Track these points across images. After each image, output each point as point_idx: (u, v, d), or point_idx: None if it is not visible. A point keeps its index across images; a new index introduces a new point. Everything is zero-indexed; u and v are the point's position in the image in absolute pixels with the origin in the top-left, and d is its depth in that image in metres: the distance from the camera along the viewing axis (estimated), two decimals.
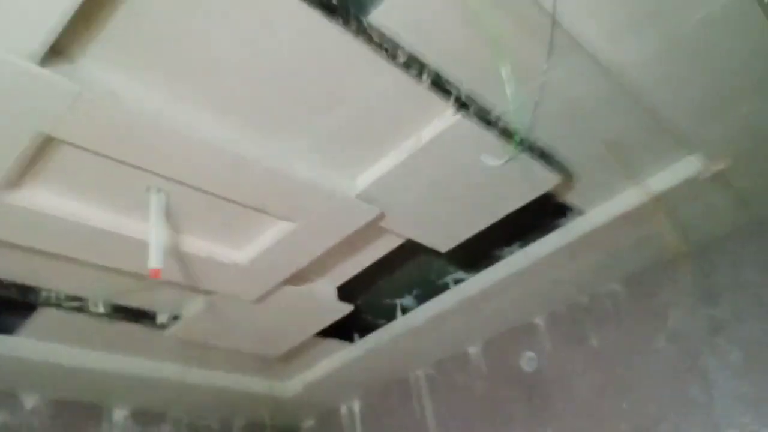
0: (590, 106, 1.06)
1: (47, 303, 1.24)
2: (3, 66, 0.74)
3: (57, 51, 0.77)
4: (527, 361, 1.69)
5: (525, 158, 1.06)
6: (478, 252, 1.47)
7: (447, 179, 1.11)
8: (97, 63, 0.82)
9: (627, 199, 1.31)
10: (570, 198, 1.31)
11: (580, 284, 1.57)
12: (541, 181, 1.15)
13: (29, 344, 1.36)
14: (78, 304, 1.27)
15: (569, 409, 1.56)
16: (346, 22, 0.82)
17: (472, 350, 1.78)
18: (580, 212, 1.36)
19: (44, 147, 0.89)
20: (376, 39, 0.85)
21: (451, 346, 1.78)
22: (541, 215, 1.37)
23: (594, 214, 1.35)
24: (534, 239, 1.43)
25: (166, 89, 0.88)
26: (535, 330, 1.69)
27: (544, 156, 1.10)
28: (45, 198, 1.00)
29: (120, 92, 0.84)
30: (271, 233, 1.19)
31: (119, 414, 1.66)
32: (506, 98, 0.91)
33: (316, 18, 0.81)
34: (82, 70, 0.81)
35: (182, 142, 0.91)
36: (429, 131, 1.01)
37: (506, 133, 1.01)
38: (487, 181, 1.12)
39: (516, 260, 1.47)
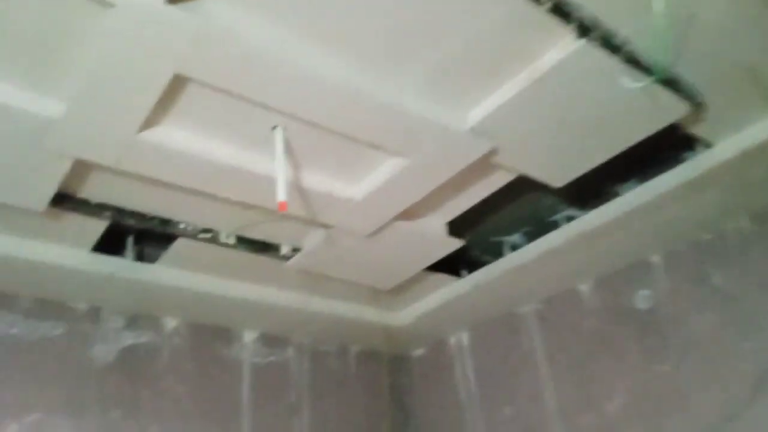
0: (728, 28, 0.97)
1: (184, 234, 1.35)
2: (134, 7, 0.79)
3: None
4: (642, 298, 1.64)
5: (653, 85, 1.00)
6: (592, 188, 1.43)
7: (565, 110, 1.07)
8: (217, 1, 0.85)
9: (759, 131, 1.21)
10: (697, 129, 1.22)
11: (704, 221, 1.49)
12: (668, 110, 1.08)
13: (169, 272, 1.50)
14: (210, 236, 1.37)
15: (686, 348, 1.51)
16: None
17: (583, 287, 1.76)
18: (708, 145, 1.28)
19: (174, 86, 0.95)
20: None
21: (561, 283, 1.76)
22: (663, 148, 1.30)
23: (723, 147, 1.26)
24: (654, 174, 1.37)
25: (283, 25, 0.90)
26: (651, 268, 1.63)
27: (673, 83, 1.03)
28: (178, 136, 1.07)
29: (238, 27, 0.87)
30: (385, 169, 1.21)
31: (249, 336, 1.81)
32: (638, 21, 0.85)
33: None
34: (202, 6, 0.84)
35: (299, 78, 0.94)
36: (548, 60, 0.97)
37: (632, 59, 0.96)
38: (608, 112, 1.07)
39: (634, 196, 1.41)
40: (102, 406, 1.49)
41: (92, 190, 1.21)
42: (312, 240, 1.45)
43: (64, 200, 1.19)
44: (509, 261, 1.66)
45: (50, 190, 1.13)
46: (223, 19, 0.85)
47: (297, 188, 1.20)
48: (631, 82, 0.98)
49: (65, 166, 1.08)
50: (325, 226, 1.38)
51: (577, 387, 1.69)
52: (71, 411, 1.44)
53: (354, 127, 1.06)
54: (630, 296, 1.65)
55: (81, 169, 1.12)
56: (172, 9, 0.81)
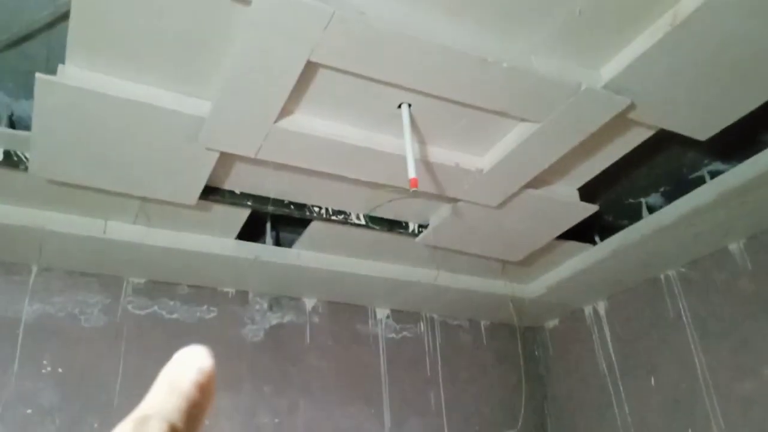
0: None
1: (317, 217, 1.40)
2: (268, 1, 0.82)
3: None
4: None
5: None
6: (739, 138, 1.32)
7: (712, 56, 0.99)
8: None
9: None
10: None
11: None
12: None
13: (306, 254, 1.57)
14: (342, 218, 1.41)
15: None
16: None
17: (734, 247, 1.63)
18: None
19: (306, 73, 0.98)
20: None
21: (708, 244, 1.64)
22: None
23: None
24: None
25: (407, 0, 0.90)
26: None
27: None
28: (311, 122, 1.11)
29: (367, 9, 0.88)
30: (513, 136, 1.18)
31: (382, 312, 1.86)
32: None
33: None
34: None
35: (425, 51, 0.94)
36: (687, 4, 0.90)
37: None
38: (754, 56, 0.98)
39: None
40: (255, 381, 1.60)
41: (234, 181, 1.29)
42: (439, 215, 1.45)
43: (211, 193, 1.28)
44: (648, 223, 1.57)
45: (200, 184, 1.21)
46: (354, 4, 0.87)
47: (425, 164, 1.21)
48: None
49: (212, 161, 1.15)
50: (453, 200, 1.37)
51: (731, 353, 1.58)
52: (229, 386, 1.56)
53: (482, 95, 1.05)
54: None
55: (225, 161, 1.19)
56: None
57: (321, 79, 1.02)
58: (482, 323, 2.02)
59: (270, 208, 1.35)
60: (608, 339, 1.89)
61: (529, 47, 0.99)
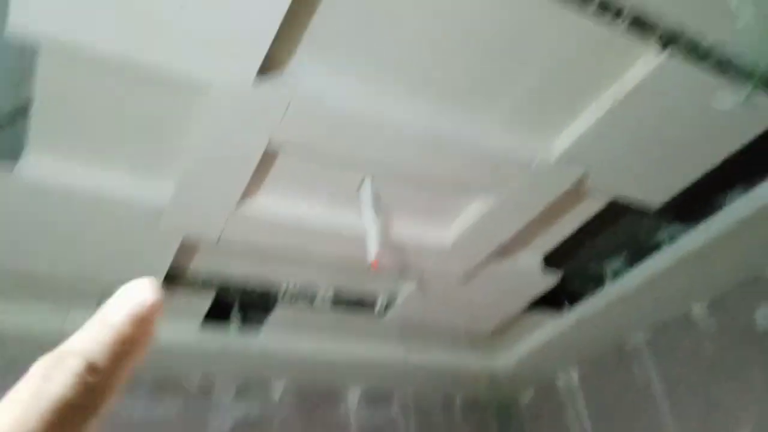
0: None
1: (283, 299, 1.38)
2: (227, 88, 0.84)
3: (265, 64, 0.85)
4: (763, 318, 1.52)
5: (751, 94, 0.96)
6: (693, 202, 1.36)
7: (656, 128, 1.04)
8: (301, 67, 0.89)
9: None
10: None
11: None
12: (766, 111, 1.03)
13: (273, 338, 1.53)
14: (308, 298, 1.40)
15: None
16: None
17: (697, 310, 1.65)
18: None
19: (267, 156, 0.99)
20: None
21: (671, 308, 1.66)
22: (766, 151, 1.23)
23: None
24: (762, 178, 1.29)
25: (365, 80, 0.93)
26: None
27: None
28: (273, 204, 1.12)
29: (325, 91, 0.91)
30: (474, 210, 1.21)
31: (353, 396, 1.80)
32: (724, 25, 0.83)
33: None
34: (290, 76, 0.89)
35: (384, 132, 0.96)
36: (631, 77, 0.95)
37: (722, 65, 0.92)
38: (702, 124, 1.03)
39: (740, 206, 1.33)
40: None
41: (198, 265, 1.27)
42: (406, 290, 1.45)
43: (173, 278, 1.25)
44: (612, 290, 1.59)
45: (162, 270, 1.19)
46: (310, 86, 0.89)
47: (389, 241, 1.21)
48: (724, 102, 0.95)
49: (174, 246, 1.14)
50: (419, 274, 1.37)
51: (701, 419, 1.57)
52: None
53: (441, 171, 1.07)
54: (749, 315, 1.54)
55: (187, 246, 1.18)
56: (262, 84, 0.85)
57: (282, 162, 1.03)
58: (457, 400, 1.97)
59: (234, 292, 1.33)
60: (583, 410, 1.87)
61: (484, 124, 1.03)
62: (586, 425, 1.84)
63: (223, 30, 0.78)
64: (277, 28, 0.79)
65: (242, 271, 1.31)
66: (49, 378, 0.21)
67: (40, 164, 0.94)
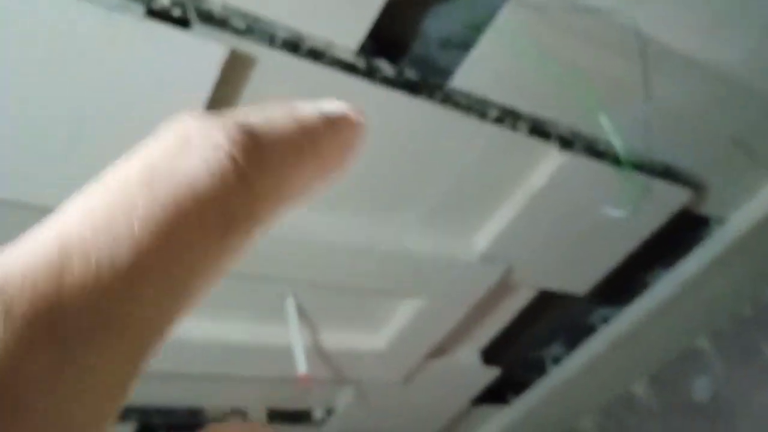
0: (702, 110, 0.99)
1: (213, 420, 1.30)
2: None
3: None
4: (700, 389, 1.54)
5: (648, 181, 1.00)
6: (619, 284, 1.39)
7: (570, 219, 1.06)
8: None
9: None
10: (706, 209, 1.21)
11: (740, 294, 1.43)
12: (670, 200, 1.07)
13: None
14: (239, 416, 1.32)
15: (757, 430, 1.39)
16: (430, 95, 0.83)
17: (638, 388, 1.65)
18: (721, 221, 1.25)
19: None
20: (463, 102, 0.85)
21: (614, 387, 1.66)
22: (679, 231, 1.27)
23: (738, 219, 1.24)
24: (678, 257, 1.33)
25: None
26: (701, 354, 1.54)
27: (668, 174, 1.03)
28: (190, 324, 1.06)
29: None
30: (403, 313, 1.19)
31: None
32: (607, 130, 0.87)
33: (401, 99, 0.83)
34: None
35: (300, 247, 0.95)
36: (538, 176, 0.98)
37: (619, 161, 0.96)
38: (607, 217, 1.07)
39: (664, 285, 1.36)
40: None
41: None
42: (344, 399, 1.39)
43: None
44: (555, 376, 1.58)
45: None
46: None
47: (318, 352, 1.17)
48: (615, 210, 0.99)
49: None
50: (356, 382, 1.33)
51: None
52: None
53: (363, 279, 1.05)
54: (688, 388, 1.55)
55: None
56: None
57: None
58: None
59: (158, 419, 1.24)
60: None
61: (400, 230, 1.03)
62: None
63: None
64: None
65: (165, 395, 1.23)
66: (189, 144, 0.14)
67: None
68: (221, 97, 0.77)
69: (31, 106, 0.68)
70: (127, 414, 1.21)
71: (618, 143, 0.86)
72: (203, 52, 0.70)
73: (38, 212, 0.66)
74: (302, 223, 0.94)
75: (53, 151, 0.73)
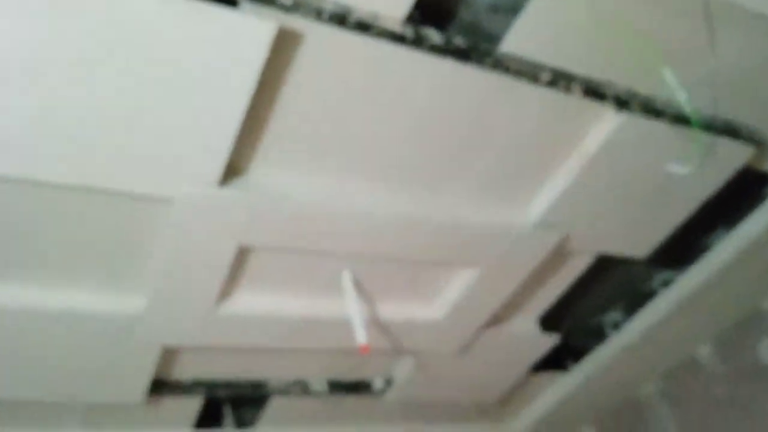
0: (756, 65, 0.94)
1: (276, 392, 1.34)
2: (191, 198, 0.84)
3: (227, 169, 0.85)
4: (767, 352, 1.50)
5: (711, 138, 0.96)
6: (680, 246, 1.35)
7: (627, 182, 1.03)
8: (263, 170, 0.89)
9: None
10: None
11: None
12: (733, 157, 1.03)
13: None
14: (301, 388, 1.35)
15: None
16: (479, 61, 0.82)
17: (702, 352, 1.62)
18: None
19: (239, 257, 0.98)
20: (514, 67, 0.83)
21: (677, 353, 1.63)
22: (742, 190, 1.22)
23: None
24: (740, 217, 1.28)
25: (329, 174, 0.93)
26: (767, 316, 1.50)
27: (730, 131, 0.99)
28: (252, 301, 1.09)
29: (289, 191, 0.90)
30: (458, 283, 1.18)
31: None
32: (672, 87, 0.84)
33: (450, 67, 0.82)
34: (251, 180, 0.89)
35: (353, 220, 0.96)
36: (594, 139, 0.95)
37: (680, 119, 0.93)
38: (671, 176, 1.03)
39: (727, 246, 1.32)
40: None
41: (183, 370, 1.23)
42: (403, 369, 1.41)
43: (159, 386, 1.21)
44: (615, 342, 1.56)
45: (145, 381, 1.15)
46: (273, 187, 0.89)
47: (376, 324, 1.18)
48: (679, 167, 0.95)
49: (155, 355, 1.10)
50: (413, 352, 1.34)
51: None
52: None
53: (418, 251, 1.05)
54: (754, 351, 1.51)
55: (169, 353, 1.15)
56: (225, 190, 0.84)
57: (255, 260, 1.01)
58: None
59: (224, 392, 1.29)
60: None
61: (453, 200, 1.02)
62: None
63: (179, 146, 0.78)
64: (234, 136, 0.79)
65: (230, 370, 1.27)
66: None
67: (4, 290, 0.92)
68: (270, 76, 0.77)
69: (83, 93, 0.70)
70: (194, 388, 1.26)
71: (683, 97, 0.82)
72: (252, 31, 0.70)
73: (100, 194, 0.69)
74: (356, 197, 0.95)
75: (109, 137, 0.75)
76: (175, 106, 0.74)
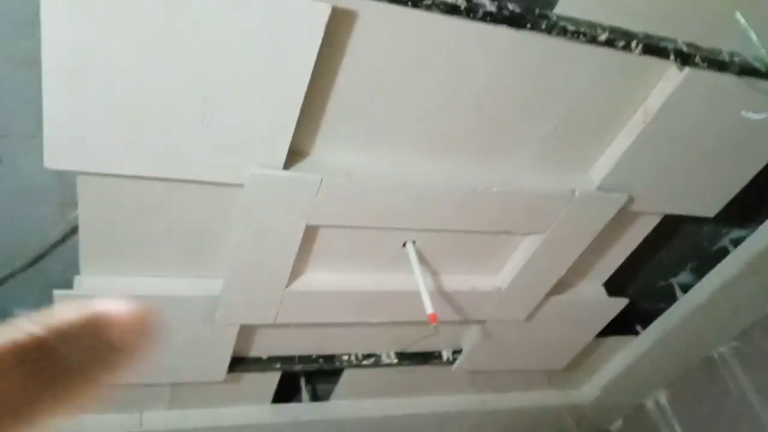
0: None
1: (348, 365, 1.38)
2: (259, 182, 0.87)
3: (291, 152, 0.88)
4: None
5: None
6: (750, 203, 1.30)
7: (692, 141, 1.01)
8: (326, 149, 0.92)
9: None
10: None
11: None
12: None
13: (345, 404, 1.53)
14: (372, 361, 1.39)
15: None
16: (535, 26, 0.81)
17: None
18: None
19: (307, 236, 1.01)
20: (570, 28, 0.82)
21: (750, 314, 1.58)
22: None
23: None
24: None
25: (388, 151, 0.95)
26: None
27: None
28: (321, 278, 1.13)
29: (351, 169, 0.93)
30: (522, 251, 1.19)
31: None
32: (739, 36, 0.81)
33: (505, 34, 0.81)
34: (314, 162, 0.91)
35: (415, 194, 0.97)
36: (656, 98, 0.93)
37: (747, 70, 0.89)
38: (738, 130, 0.99)
39: None
40: None
41: (260, 347, 1.29)
42: (470, 339, 1.42)
43: (238, 364, 1.27)
44: (684, 305, 1.53)
45: (226, 359, 1.21)
46: (337, 165, 0.91)
47: (442, 294, 1.20)
48: (756, 114, 0.92)
49: (233, 335, 1.16)
50: (480, 321, 1.35)
51: None
52: None
53: (480, 221, 1.06)
54: None
55: (246, 332, 1.20)
56: (290, 172, 0.88)
57: (323, 237, 1.05)
58: None
59: (299, 367, 1.34)
60: (678, 431, 1.77)
61: (514, 168, 1.02)
62: None
63: (245, 131, 0.81)
64: (296, 118, 0.81)
65: (304, 345, 1.32)
66: None
67: (95, 281, 0.99)
68: (327, 56, 0.79)
69: (157, 85, 0.74)
70: (271, 364, 1.31)
71: (755, 39, 0.79)
72: (307, 12, 0.72)
73: (176, 185, 0.72)
74: (417, 171, 0.96)
75: (183, 127, 0.79)
76: (241, 92, 0.77)
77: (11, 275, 1.11)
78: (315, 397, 1.56)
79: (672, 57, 0.86)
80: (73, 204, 0.98)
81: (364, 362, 1.39)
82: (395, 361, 1.41)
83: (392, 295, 1.17)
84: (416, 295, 1.07)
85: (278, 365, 1.32)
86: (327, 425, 1.52)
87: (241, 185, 0.88)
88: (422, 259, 1.14)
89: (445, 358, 1.47)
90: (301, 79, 0.78)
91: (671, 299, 1.57)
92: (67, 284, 1.00)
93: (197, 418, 1.39)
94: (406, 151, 0.95)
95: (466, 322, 1.33)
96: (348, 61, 0.82)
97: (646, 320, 1.61)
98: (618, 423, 1.96)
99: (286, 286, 1.08)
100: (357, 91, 0.85)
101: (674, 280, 1.58)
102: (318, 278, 1.12)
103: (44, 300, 1.16)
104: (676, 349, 1.64)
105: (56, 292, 0.97)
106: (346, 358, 1.38)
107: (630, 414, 1.91)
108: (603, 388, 1.74)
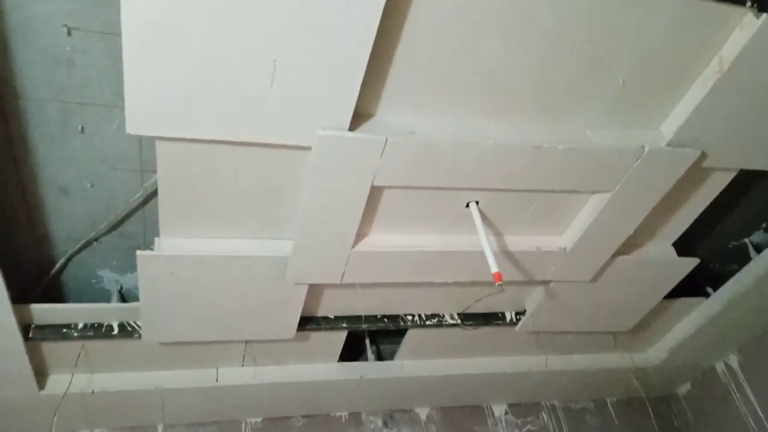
0: None
1: (412, 325, 1.41)
2: (328, 143, 0.89)
3: (356, 114, 0.89)
4: None
5: None
6: None
7: (766, 94, 0.96)
8: (390, 110, 0.93)
9: None
10: None
11: None
12: None
13: (408, 364, 1.56)
14: (436, 321, 1.41)
15: None
16: None
17: None
18: None
19: (372, 196, 1.03)
20: None
21: None
22: None
23: None
24: None
25: (451, 111, 0.95)
26: None
27: None
28: (386, 239, 1.15)
29: (415, 129, 0.93)
30: (588, 209, 1.17)
31: (499, 409, 1.79)
32: None
33: None
34: (379, 123, 0.93)
35: (479, 153, 0.97)
36: (731, 47, 0.89)
37: None
38: None
39: None
40: None
41: (327, 307, 1.33)
42: (534, 299, 1.42)
43: (307, 323, 1.32)
44: (758, 265, 1.47)
45: (295, 318, 1.26)
46: (401, 125, 0.92)
47: (506, 254, 1.20)
48: None
49: (303, 294, 1.20)
50: (545, 282, 1.35)
51: None
52: None
53: (546, 179, 1.05)
54: None
55: (314, 291, 1.24)
56: (356, 133, 0.89)
57: (387, 198, 1.06)
58: (608, 401, 1.90)
59: (365, 326, 1.38)
60: (750, 396, 1.73)
61: (582, 124, 1.00)
62: (756, 408, 1.70)
63: (312, 94, 0.83)
64: (361, 80, 0.83)
65: (370, 304, 1.35)
66: None
67: (174, 242, 1.04)
68: (391, 15, 0.79)
69: (231, 48, 0.77)
70: (337, 323, 1.36)
71: None
72: None
73: (248, 149, 0.75)
74: (481, 130, 0.96)
75: (253, 90, 0.81)
76: (308, 55, 0.79)
77: (95, 239, 1.18)
78: (379, 357, 1.61)
79: (749, 2, 0.82)
80: (152, 170, 1.04)
81: (428, 322, 1.41)
82: (458, 321, 1.43)
83: (456, 255, 1.18)
84: (480, 255, 1.08)
85: (344, 324, 1.36)
86: (392, 383, 1.57)
87: (309, 147, 0.90)
88: (486, 219, 1.14)
89: (508, 319, 1.47)
90: (366, 40, 0.79)
91: (744, 259, 1.52)
92: (148, 246, 1.06)
93: (269, 374, 1.46)
94: (468, 110, 0.95)
95: (529, 282, 1.33)
96: (410, 21, 0.82)
97: (718, 281, 1.57)
98: (686, 386, 1.92)
99: (352, 247, 1.10)
100: (419, 52, 0.85)
101: (748, 240, 1.53)
102: (383, 239, 1.14)
103: (127, 261, 1.24)
104: (749, 311, 1.59)
105: (139, 253, 1.02)
106: (410, 318, 1.41)
107: (698, 378, 1.88)
108: (671, 351, 1.71)
